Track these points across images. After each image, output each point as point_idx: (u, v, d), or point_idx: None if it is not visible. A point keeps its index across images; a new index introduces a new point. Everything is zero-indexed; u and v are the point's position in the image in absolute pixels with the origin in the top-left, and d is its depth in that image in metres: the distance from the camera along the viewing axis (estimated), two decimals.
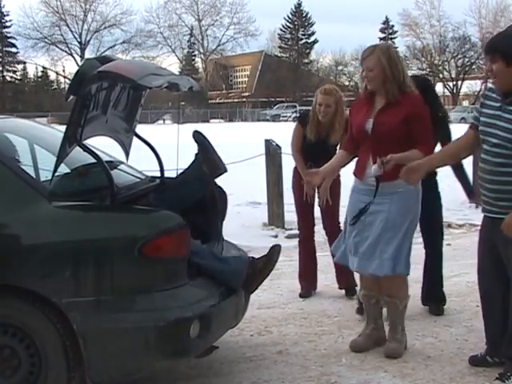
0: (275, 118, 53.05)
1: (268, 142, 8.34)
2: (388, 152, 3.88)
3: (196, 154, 4.10)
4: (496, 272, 3.69)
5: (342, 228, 4.44)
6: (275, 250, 3.85)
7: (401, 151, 3.90)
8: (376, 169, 3.91)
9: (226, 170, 4.07)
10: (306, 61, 69.61)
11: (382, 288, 4.18)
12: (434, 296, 4.98)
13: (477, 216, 8.93)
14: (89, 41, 64.68)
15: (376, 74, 4.01)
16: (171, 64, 62.00)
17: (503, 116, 3.48)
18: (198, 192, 3.98)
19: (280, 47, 69.49)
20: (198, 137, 4.07)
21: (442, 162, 3.96)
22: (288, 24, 68.66)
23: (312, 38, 68.67)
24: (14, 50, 65.17)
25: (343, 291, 5.40)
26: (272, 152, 8.21)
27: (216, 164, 4.03)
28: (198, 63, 71.11)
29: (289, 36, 69.16)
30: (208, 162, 4.01)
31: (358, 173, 4.13)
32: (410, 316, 4.51)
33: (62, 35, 64.24)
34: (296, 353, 4.25)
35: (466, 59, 60.63)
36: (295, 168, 5.45)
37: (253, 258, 3.88)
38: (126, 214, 3.43)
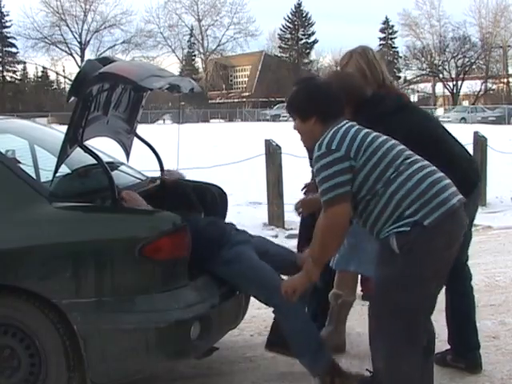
0: (275, 118, 53.00)
1: (268, 142, 8.34)
2: None
3: None
4: None
5: None
6: None
7: None
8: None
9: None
10: (306, 61, 69.59)
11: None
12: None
13: (477, 216, 8.95)
14: (89, 41, 64.71)
15: (358, 77, 3.93)
16: (171, 64, 62.09)
17: None
18: None
19: (280, 47, 69.49)
20: None
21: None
22: (288, 24, 68.68)
23: (312, 38, 68.72)
24: (14, 49, 65.19)
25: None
26: (272, 152, 8.22)
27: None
28: (198, 63, 71.20)
29: (289, 36, 69.15)
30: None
31: None
32: None
33: (62, 35, 64.28)
34: None
35: (466, 59, 60.61)
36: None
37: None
38: (127, 215, 3.42)
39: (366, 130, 3.05)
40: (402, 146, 3.06)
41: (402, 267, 2.91)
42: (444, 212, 2.88)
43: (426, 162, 3.03)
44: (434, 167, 3.02)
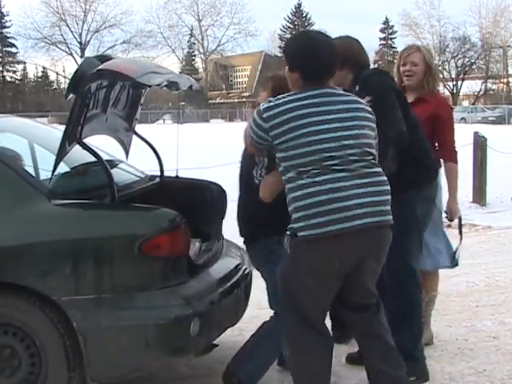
0: None
1: None
2: None
3: None
4: None
5: None
6: None
7: None
8: None
9: None
10: None
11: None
12: None
13: (477, 216, 8.96)
14: (89, 41, 64.75)
15: (420, 69, 4.15)
16: (171, 64, 62.01)
17: None
18: None
19: (280, 47, 69.35)
20: None
21: None
22: (288, 24, 68.68)
23: None
24: (14, 50, 65.26)
25: None
26: None
27: None
28: (198, 63, 71.22)
29: (289, 36, 69.16)
30: None
31: None
32: None
33: (62, 35, 64.29)
34: None
35: (466, 59, 60.59)
36: None
37: None
38: (126, 212, 3.42)
39: (307, 121, 2.93)
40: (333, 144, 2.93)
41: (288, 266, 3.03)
42: (321, 233, 2.87)
43: (345, 174, 2.91)
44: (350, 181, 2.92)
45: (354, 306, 3.14)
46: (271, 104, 3.00)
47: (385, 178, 3.03)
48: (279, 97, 3.02)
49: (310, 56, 3.01)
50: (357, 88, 3.62)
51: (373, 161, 3.02)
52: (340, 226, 2.86)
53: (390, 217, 3.02)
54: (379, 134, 3.15)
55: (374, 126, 3.09)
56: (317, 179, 2.89)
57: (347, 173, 2.91)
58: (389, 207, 3.02)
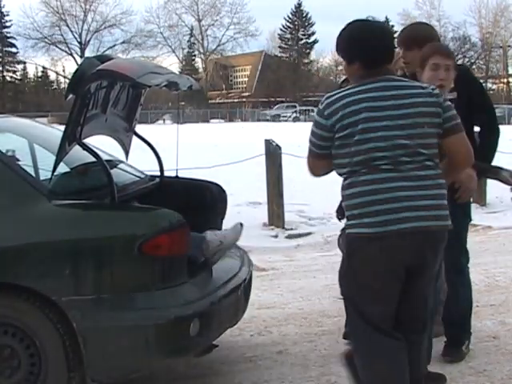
0: (275, 118, 53.07)
1: (268, 142, 8.33)
2: None
3: None
4: None
5: None
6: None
7: None
8: None
9: None
10: (306, 61, 69.63)
11: None
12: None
13: (477, 216, 8.95)
14: (89, 41, 64.79)
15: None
16: (171, 64, 62.04)
17: None
18: None
19: (280, 47, 69.50)
20: None
21: None
22: (288, 24, 68.72)
23: (312, 38, 68.75)
24: (14, 50, 65.28)
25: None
26: (272, 152, 8.21)
27: None
28: (198, 63, 71.25)
29: (289, 36, 69.17)
30: None
31: None
32: None
33: (62, 35, 64.34)
34: (296, 353, 4.24)
35: (466, 59, 60.57)
36: None
37: None
38: (126, 213, 3.42)
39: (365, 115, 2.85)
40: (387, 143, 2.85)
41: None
42: (368, 233, 2.84)
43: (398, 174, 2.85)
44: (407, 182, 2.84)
45: (400, 326, 3.02)
46: (330, 100, 2.91)
47: (439, 182, 2.91)
48: (337, 91, 2.95)
49: (369, 43, 2.93)
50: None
51: (427, 162, 2.88)
52: (387, 229, 2.81)
53: (446, 222, 2.91)
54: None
55: (437, 121, 2.91)
56: (363, 178, 2.85)
57: (395, 173, 2.83)
58: (444, 211, 2.91)
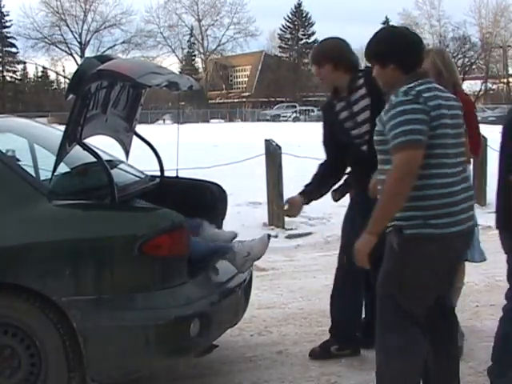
0: (275, 118, 53.04)
1: (268, 142, 8.33)
2: None
3: None
4: None
5: None
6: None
7: None
8: None
9: None
10: (306, 61, 69.25)
11: None
12: None
13: (477, 216, 8.93)
14: (89, 41, 64.70)
15: (432, 75, 3.94)
16: (171, 64, 62.02)
17: None
18: None
19: (280, 47, 69.50)
20: None
21: None
22: (288, 24, 68.71)
23: (312, 38, 68.61)
24: (14, 49, 65.16)
25: None
26: (272, 152, 8.21)
27: None
28: (198, 63, 71.20)
29: (289, 36, 69.17)
30: None
31: None
32: None
33: (62, 35, 64.24)
34: (296, 353, 4.24)
35: (466, 59, 60.60)
36: None
37: None
38: (126, 213, 3.43)
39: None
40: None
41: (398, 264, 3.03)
42: (431, 234, 2.92)
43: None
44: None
45: (447, 309, 3.25)
46: (419, 88, 2.93)
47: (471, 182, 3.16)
48: (415, 83, 2.96)
49: (408, 46, 3.04)
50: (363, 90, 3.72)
51: (465, 164, 3.11)
52: (449, 230, 2.94)
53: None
54: None
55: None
56: (439, 181, 2.93)
57: (457, 177, 2.99)
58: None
